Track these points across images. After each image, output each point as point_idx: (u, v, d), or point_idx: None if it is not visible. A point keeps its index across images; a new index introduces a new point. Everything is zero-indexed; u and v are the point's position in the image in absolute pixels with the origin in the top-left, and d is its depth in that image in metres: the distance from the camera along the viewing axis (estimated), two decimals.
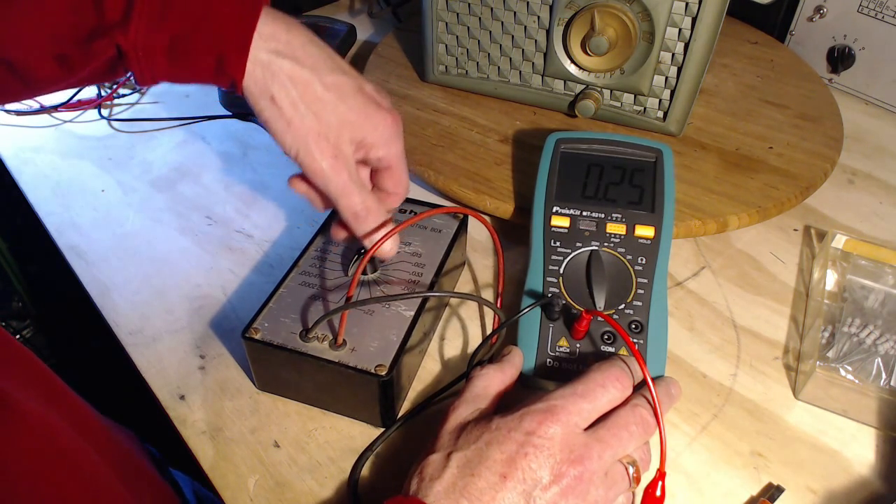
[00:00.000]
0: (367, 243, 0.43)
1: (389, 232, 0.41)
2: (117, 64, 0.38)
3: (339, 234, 0.46)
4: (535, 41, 0.62)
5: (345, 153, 0.41)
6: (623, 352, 0.44)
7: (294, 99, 0.39)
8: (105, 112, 0.73)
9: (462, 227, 0.51)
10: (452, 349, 0.49)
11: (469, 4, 0.62)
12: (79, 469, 0.38)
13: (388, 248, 0.43)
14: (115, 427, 0.50)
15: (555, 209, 0.49)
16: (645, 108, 0.62)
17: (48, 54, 0.37)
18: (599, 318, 0.43)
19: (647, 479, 0.37)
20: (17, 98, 0.41)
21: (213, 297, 0.53)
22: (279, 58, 0.39)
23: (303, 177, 0.43)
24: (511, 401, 0.38)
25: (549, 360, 0.44)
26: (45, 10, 0.36)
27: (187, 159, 0.67)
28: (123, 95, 0.76)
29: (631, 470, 0.36)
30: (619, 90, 0.62)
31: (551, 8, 0.59)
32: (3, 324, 1.10)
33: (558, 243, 0.48)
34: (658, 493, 0.37)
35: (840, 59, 0.73)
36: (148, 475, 0.49)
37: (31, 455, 0.35)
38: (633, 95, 0.62)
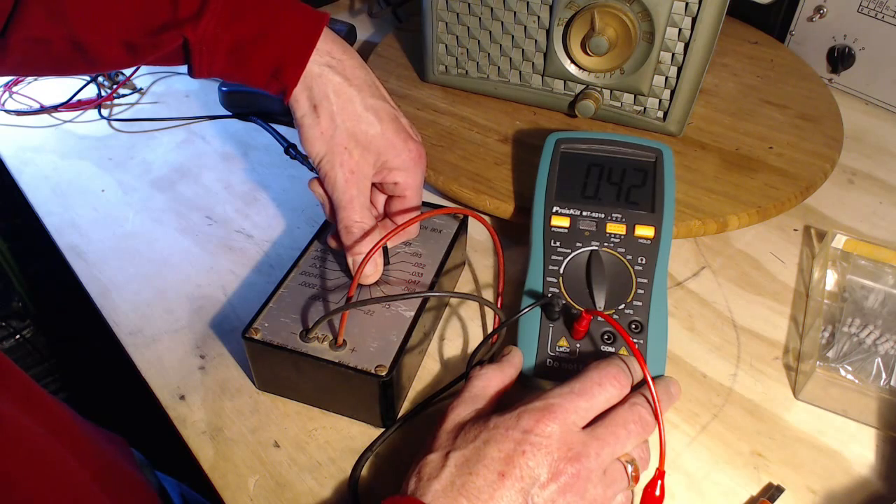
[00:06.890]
0: (351, 261, 0.45)
1: (369, 253, 0.42)
2: (179, 54, 0.41)
3: (332, 243, 0.48)
4: (535, 41, 0.62)
5: (363, 171, 0.44)
6: (623, 352, 0.44)
7: (334, 112, 0.43)
8: (105, 112, 0.73)
9: (462, 227, 0.51)
10: (452, 349, 0.49)
11: (469, 4, 0.62)
12: (53, 473, 0.37)
13: (370, 272, 0.45)
14: (99, 433, 0.49)
15: (555, 209, 0.49)
16: (645, 108, 0.62)
17: (118, 41, 0.40)
18: (599, 318, 0.43)
19: (646, 478, 0.37)
20: (77, 73, 0.44)
21: (213, 297, 0.53)
22: (331, 72, 0.42)
23: (321, 181, 0.45)
24: (510, 401, 0.38)
25: (549, 359, 0.44)
26: (122, 1, 0.38)
27: (187, 159, 0.67)
28: (123, 95, 0.76)
29: (629, 468, 0.36)
30: (619, 90, 0.62)
31: (551, 8, 0.59)
32: (3, 324, 1.10)
33: (558, 243, 0.48)
34: (657, 492, 0.37)
35: (840, 59, 0.73)
36: (132, 481, 0.49)
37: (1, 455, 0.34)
38: (633, 95, 0.62)
